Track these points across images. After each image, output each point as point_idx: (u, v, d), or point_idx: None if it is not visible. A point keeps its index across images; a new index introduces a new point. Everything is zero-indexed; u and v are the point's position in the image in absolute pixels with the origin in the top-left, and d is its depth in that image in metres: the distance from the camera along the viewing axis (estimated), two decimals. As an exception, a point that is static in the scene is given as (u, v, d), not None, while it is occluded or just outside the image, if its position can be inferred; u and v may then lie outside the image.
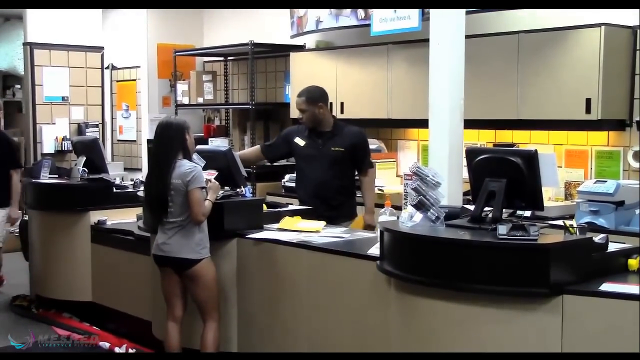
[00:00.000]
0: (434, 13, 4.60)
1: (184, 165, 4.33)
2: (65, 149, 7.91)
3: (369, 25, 5.97)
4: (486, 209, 3.48)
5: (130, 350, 5.42)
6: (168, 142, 4.38)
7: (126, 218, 6.02)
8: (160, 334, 5.05)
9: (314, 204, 5.09)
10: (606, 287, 3.09)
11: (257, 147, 5.59)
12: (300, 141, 5.27)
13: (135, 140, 9.77)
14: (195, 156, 4.81)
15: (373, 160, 5.43)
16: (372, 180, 5.36)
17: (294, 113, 7.28)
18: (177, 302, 4.49)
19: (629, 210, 4.65)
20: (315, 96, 5.20)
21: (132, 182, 6.66)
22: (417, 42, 5.92)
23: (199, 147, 5.20)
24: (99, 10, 8.45)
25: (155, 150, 4.46)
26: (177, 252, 4.34)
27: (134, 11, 9.08)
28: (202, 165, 4.78)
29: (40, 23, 7.98)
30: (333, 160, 5.13)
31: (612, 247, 3.43)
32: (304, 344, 4.21)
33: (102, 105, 8.46)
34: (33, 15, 8.00)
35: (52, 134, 7.97)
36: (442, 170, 4.12)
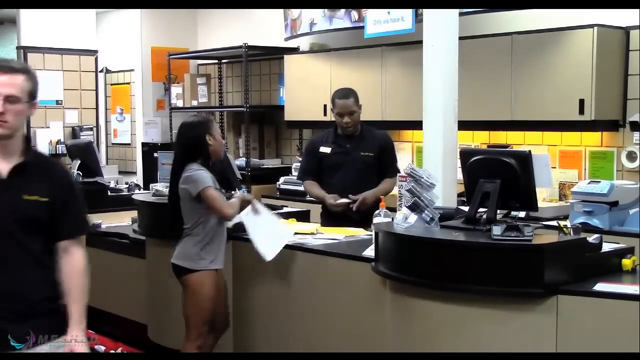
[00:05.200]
0: (427, 15, 4.62)
1: (186, 170, 4.11)
2: (60, 152, 7.91)
3: (362, 27, 6.00)
4: (480, 209, 3.49)
5: (126, 354, 5.42)
6: (183, 147, 4.20)
7: (121, 221, 6.01)
8: (156, 337, 5.05)
9: (341, 212, 4.82)
10: (600, 287, 3.10)
11: (311, 182, 5.04)
12: (325, 149, 4.96)
13: (129, 144, 9.77)
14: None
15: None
16: (394, 184, 4.85)
17: (288, 116, 7.32)
18: None
19: (623, 210, 4.67)
20: (358, 96, 4.93)
21: (127, 186, 6.66)
22: (410, 43, 5.93)
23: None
24: (93, 14, 8.44)
25: (175, 152, 4.30)
26: (175, 258, 4.18)
27: (128, 14, 9.08)
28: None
29: (34, 27, 7.97)
30: (362, 165, 4.86)
31: (606, 247, 3.44)
32: (300, 346, 4.21)
33: (97, 108, 8.46)
34: (27, 19, 7.99)
35: (46, 137, 7.97)
36: (437, 172, 4.13)
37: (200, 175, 4.06)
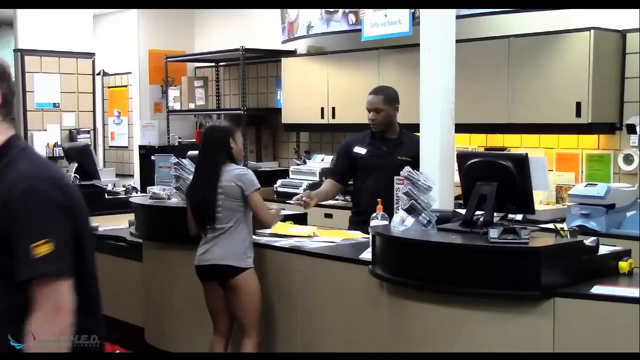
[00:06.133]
0: (424, 18, 4.62)
1: (235, 169, 4.20)
2: (57, 155, 7.90)
3: (359, 30, 6.00)
4: (477, 212, 3.49)
5: (123, 357, 5.40)
6: (212, 147, 4.23)
7: (118, 224, 6.01)
8: (153, 340, 5.04)
9: (369, 215, 4.61)
10: (597, 289, 3.10)
11: (329, 180, 5.03)
12: (360, 150, 4.84)
13: (127, 147, 9.76)
14: (186, 161, 4.81)
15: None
16: None
17: (286, 118, 7.33)
18: (223, 317, 4.29)
19: (620, 213, 4.67)
20: (393, 96, 4.82)
21: (124, 189, 6.66)
22: (407, 46, 5.95)
23: (190, 152, 5.19)
24: (90, 16, 8.44)
25: (200, 156, 4.30)
26: (221, 259, 4.15)
27: (125, 17, 9.09)
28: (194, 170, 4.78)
29: (31, 29, 7.97)
30: (397, 169, 4.50)
31: (603, 249, 3.44)
32: (297, 348, 4.21)
33: (94, 111, 8.45)
34: (23, 22, 7.98)
35: (43, 140, 7.96)
36: (434, 175, 4.13)
37: (253, 177, 4.22)
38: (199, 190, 4.23)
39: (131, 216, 5.41)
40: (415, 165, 4.50)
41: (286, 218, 4.85)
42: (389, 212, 4.22)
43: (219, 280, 4.22)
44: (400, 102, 4.86)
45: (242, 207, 4.20)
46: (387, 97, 4.79)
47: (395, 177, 4.00)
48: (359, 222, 4.77)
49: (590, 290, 3.10)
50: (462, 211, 3.64)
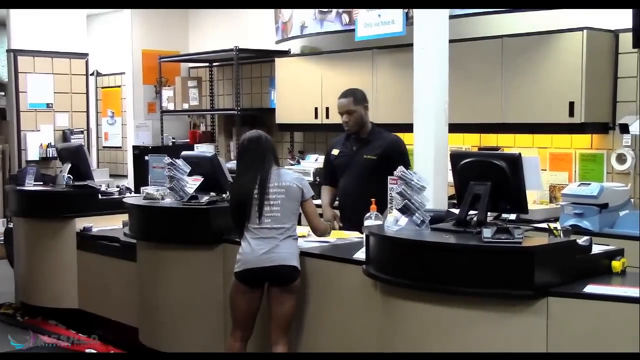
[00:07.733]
0: (417, 17, 4.63)
1: (290, 172, 4.25)
2: (50, 156, 7.88)
3: (353, 30, 6.00)
4: (471, 212, 3.49)
5: (117, 357, 5.39)
6: (264, 150, 4.14)
7: (112, 225, 6.00)
8: (147, 340, 5.04)
9: (342, 214, 4.88)
10: (590, 289, 3.11)
11: (324, 187, 5.11)
12: (335, 152, 4.98)
13: (120, 147, 9.75)
14: (180, 162, 4.81)
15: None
16: None
17: (280, 118, 7.33)
18: (251, 323, 4.21)
19: (613, 212, 4.68)
20: (361, 96, 4.91)
21: (118, 189, 6.64)
22: (401, 46, 5.95)
23: (184, 153, 5.19)
24: (84, 17, 8.42)
25: (248, 159, 4.15)
26: (289, 259, 4.04)
27: (119, 17, 9.07)
28: (188, 171, 4.78)
29: (24, 30, 7.94)
30: (364, 168, 4.78)
31: (596, 249, 3.45)
32: (292, 347, 4.21)
33: (87, 111, 8.43)
34: (17, 22, 7.96)
35: (36, 141, 7.94)
36: (427, 174, 4.14)
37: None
38: (249, 188, 4.08)
39: (125, 216, 5.40)
40: (384, 164, 4.51)
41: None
42: (361, 211, 4.21)
43: (279, 283, 4.07)
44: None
45: (298, 209, 4.16)
46: (356, 98, 4.87)
47: (389, 178, 3.99)
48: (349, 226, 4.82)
49: (584, 290, 3.11)
50: (456, 211, 3.64)
